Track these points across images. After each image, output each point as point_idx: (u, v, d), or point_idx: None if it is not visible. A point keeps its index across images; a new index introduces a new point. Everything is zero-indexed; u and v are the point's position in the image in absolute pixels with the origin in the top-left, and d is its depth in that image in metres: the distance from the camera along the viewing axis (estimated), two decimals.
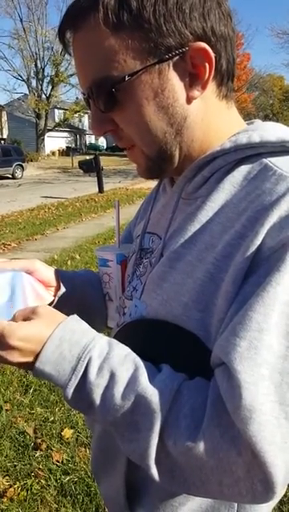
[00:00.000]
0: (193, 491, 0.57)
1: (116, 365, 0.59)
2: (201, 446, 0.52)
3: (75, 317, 0.64)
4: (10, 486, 2.04)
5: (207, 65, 0.59)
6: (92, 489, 2.00)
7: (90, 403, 0.58)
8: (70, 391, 0.59)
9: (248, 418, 0.49)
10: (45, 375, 0.60)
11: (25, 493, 2.00)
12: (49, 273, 0.83)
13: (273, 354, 0.51)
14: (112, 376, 0.58)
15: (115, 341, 0.63)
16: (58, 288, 0.84)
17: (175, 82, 0.60)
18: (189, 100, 0.61)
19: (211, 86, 0.63)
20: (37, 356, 0.60)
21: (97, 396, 0.58)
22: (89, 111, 0.67)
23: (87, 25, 0.59)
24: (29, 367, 0.61)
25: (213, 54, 0.59)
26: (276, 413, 0.50)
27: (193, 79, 0.60)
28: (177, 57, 0.59)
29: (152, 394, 0.56)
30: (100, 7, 0.57)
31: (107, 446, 0.78)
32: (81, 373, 0.58)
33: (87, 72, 0.62)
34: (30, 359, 0.60)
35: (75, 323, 0.63)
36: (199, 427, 0.53)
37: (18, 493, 2.00)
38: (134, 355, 0.61)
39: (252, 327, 0.51)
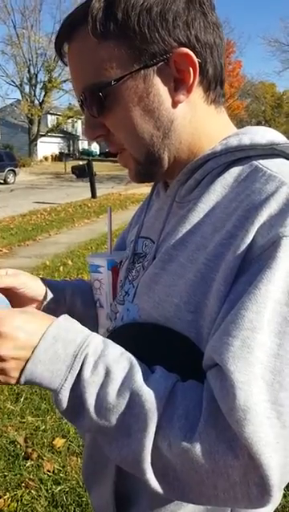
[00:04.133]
0: (187, 496, 0.56)
1: (112, 363, 0.58)
2: (196, 448, 0.51)
3: (66, 316, 0.63)
4: (0, 497, 2.00)
5: (191, 70, 0.62)
6: (84, 499, 1.97)
7: (82, 403, 0.56)
8: (65, 392, 0.56)
9: (243, 419, 0.49)
10: (36, 378, 0.56)
11: (15, 505, 1.96)
12: (35, 285, 0.83)
13: (265, 352, 0.51)
14: (108, 374, 0.57)
15: (109, 340, 0.63)
16: (43, 300, 0.84)
17: (160, 86, 0.62)
18: (174, 104, 0.64)
19: (198, 91, 0.65)
20: (30, 357, 0.56)
21: (91, 395, 0.56)
22: (82, 117, 0.71)
23: (78, 36, 0.63)
24: (18, 367, 0.56)
25: (196, 60, 0.61)
26: (268, 413, 0.50)
27: (178, 84, 0.63)
28: (162, 63, 0.61)
29: (147, 393, 0.55)
30: (89, 19, 0.60)
31: (96, 455, 0.77)
32: (77, 372, 0.57)
33: (79, 80, 0.65)
34: (21, 352, 0.56)
35: (68, 322, 0.62)
36: (194, 428, 0.52)
37: (9, 505, 1.96)
38: (129, 354, 0.60)
39: (244, 325, 0.51)
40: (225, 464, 0.51)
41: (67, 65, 0.67)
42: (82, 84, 0.65)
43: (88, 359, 0.57)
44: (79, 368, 0.57)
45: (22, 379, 0.57)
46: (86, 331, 0.62)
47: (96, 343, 0.60)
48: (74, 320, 0.63)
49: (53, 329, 0.58)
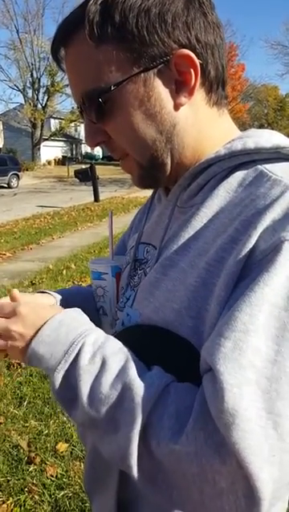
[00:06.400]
0: (175, 500, 0.54)
1: (109, 354, 0.58)
2: (183, 449, 0.50)
3: (78, 309, 0.66)
4: (3, 502, 1.99)
5: (192, 71, 0.60)
6: (87, 504, 1.96)
7: (76, 391, 0.57)
8: (59, 375, 0.58)
9: (231, 423, 0.47)
10: (37, 358, 0.60)
11: (18, 510, 1.95)
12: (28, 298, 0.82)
13: (260, 358, 0.49)
14: (103, 365, 0.57)
15: (112, 337, 0.63)
16: None
17: (161, 89, 0.61)
18: (176, 107, 0.62)
19: (200, 93, 0.63)
20: (34, 336, 0.60)
21: (85, 384, 0.57)
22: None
23: (75, 41, 0.61)
24: (24, 345, 0.61)
25: (197, 61, 0.60)
26: (263, 422, 0.47)
27: (179, 86, 0.61)
28: (162, 65, 0.60)
29: (139, 387, 0.55)
30: (86, 23, 0.59)
31: (98, 463, 0.76)
32: (72, 357, 0.58)
33: (77, 85, 0.64)
34: (29, 331, 0.61)
35: (77, 313, 0.65)
36: (183, 429, 0.51)
37: (12, 510, 1.95)
38: (127, 349, 0.61)
39: (237, 327, 0.50)
40: (211, 469, 0.49)
41: (64, 71, 0.65)
42: (80, 90, 0.63)
43: (86, 348, 0.58)
44: (74, 355, 0.58)
45: (26, 356, 0.61)
46: (91, 324, 0.64)
47: (98, 335, 0.61)
48: (83, 314, 0.65)
49: (60, 315, 0.62)
